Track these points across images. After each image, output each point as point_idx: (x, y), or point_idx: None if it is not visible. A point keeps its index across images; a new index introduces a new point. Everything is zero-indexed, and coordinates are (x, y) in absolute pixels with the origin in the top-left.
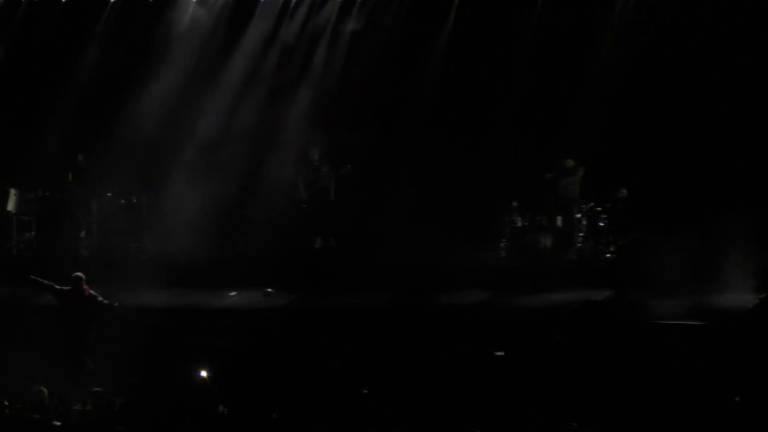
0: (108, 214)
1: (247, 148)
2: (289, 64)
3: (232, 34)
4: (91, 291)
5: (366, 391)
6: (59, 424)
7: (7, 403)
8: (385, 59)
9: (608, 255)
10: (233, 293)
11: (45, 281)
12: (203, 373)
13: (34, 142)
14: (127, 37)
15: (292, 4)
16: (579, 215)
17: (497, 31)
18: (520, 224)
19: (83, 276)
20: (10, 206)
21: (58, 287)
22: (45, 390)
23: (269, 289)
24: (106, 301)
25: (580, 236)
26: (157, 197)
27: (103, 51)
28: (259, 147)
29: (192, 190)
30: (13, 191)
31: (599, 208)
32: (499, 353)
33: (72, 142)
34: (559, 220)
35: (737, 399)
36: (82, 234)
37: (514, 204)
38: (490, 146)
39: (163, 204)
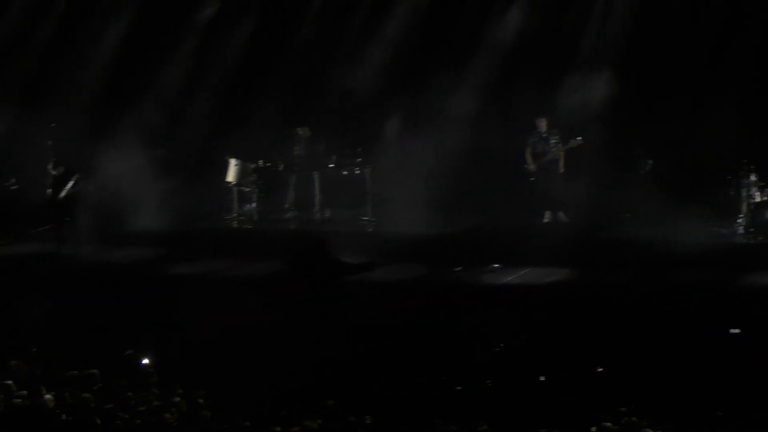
0: (330, 185)
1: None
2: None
3: None
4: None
5: (601, 369)
6: None
7: None
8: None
9: None
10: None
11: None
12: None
13: (254, 111)
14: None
15: None
16: None
17: None
18: (758, 199)
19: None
20: (231, 177)
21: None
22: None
23: (496, 265)
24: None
25: None
26: (379, 168)
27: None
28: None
29: (413, 161)
30: (233, 161)
31: None
32: (734, 331)
33: (292, 111)
34: None
35: None
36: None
37: (753, 178)
38: (720, 111)
39: (385, 175)
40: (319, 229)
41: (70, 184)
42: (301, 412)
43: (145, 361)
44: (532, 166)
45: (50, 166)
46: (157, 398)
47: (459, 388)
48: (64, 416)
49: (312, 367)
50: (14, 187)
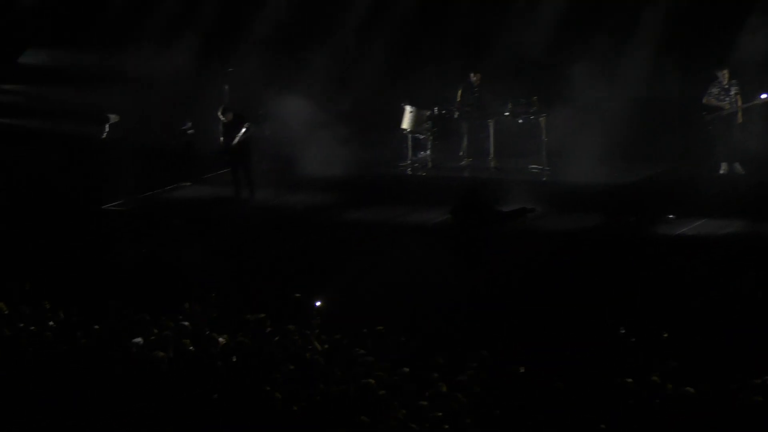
0: (505, 134)
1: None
2: None
3: None
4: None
5: None
6: None
7: None
8: None
9: None
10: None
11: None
12: None
13: (430, 58)
14: None
15: None
16: None
17: None
18: None
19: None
20: (406, 124)
21: None
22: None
23: (671, 215)
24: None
25: None
26: (554, 117)
27: None
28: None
29: (589, 110)
30: (408, 108)
31: None
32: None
33: (468, 58)
34: None
35: None
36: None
37: None
38: None
39: (560, 124)
40: (488, 178)
41: (242, 131)
42: (459, 361)
43: (317, 304)
44: (709, 117)
45: (219, 113)
46: (319, 343)
47: (633, 339)
48: (234, 359)
49: (471, 317)
50: (191, 131)
